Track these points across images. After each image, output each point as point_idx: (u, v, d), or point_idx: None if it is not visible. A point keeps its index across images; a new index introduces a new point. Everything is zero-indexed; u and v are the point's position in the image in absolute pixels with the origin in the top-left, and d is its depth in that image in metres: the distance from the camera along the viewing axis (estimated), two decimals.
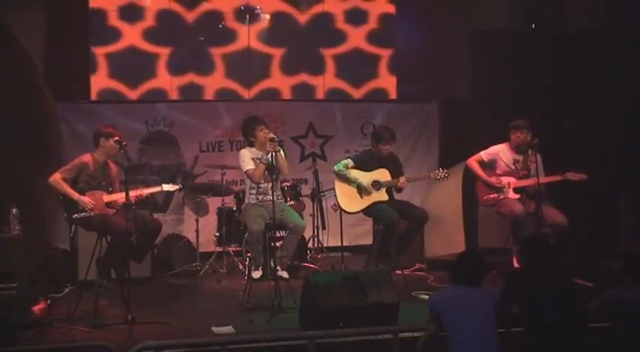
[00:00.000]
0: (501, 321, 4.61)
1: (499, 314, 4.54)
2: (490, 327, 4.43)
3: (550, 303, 4.42)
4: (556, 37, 8.50)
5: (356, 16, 9.12)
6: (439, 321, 4.52)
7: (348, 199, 6.96)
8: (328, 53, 9.09)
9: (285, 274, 6.38)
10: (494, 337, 4.42)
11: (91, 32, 8.48)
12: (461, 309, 4.44)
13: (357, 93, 9.12)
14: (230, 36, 8.90)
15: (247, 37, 8.89)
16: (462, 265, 4.65)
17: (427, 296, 5.37)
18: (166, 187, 6.60)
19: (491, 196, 7.10)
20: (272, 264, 6.47)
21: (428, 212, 7.21)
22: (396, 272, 6.98)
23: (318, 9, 9.09)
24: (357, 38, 9.11)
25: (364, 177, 6.96)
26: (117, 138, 6.24)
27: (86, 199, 6.14)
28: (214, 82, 8.85)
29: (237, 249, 7.79)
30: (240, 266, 7.66)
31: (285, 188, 7.51)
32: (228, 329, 5.59)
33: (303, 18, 9.08)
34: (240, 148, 7.09)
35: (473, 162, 7.23)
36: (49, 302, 6.09)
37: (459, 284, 4.58)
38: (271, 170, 6.44)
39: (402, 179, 6.95)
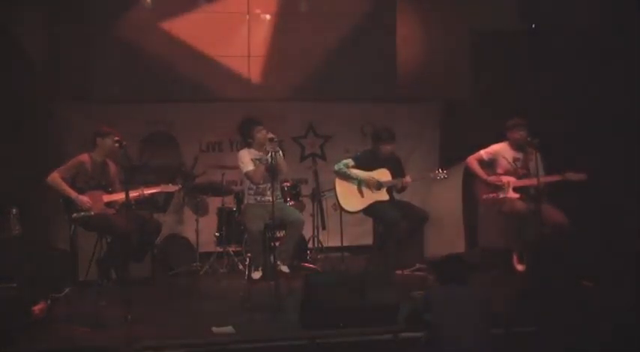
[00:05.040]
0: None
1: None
2: (480, 325, 4.46)
3: (562, 311, 4.46)
4: (556, 36, 8.50)
5: (357, 16, 9.12)
6: (425, 316, 4.58)
7: (348, 198, 6.96)
8: (328, 52, 9.08)
9: (285, 268, 6.38)
10: (485, 335, 4.45)
11: (91, 32, 8.50)
12: (453, 306, 4.51)
13: (357, 93, 9.11)
14: (230, 36, 8.91)
15: (247, 36, 8.89)
16: (449, 266, 4.78)
17: None
18: (166, 187, 6.60)
19: (491, 196, 7.10)
20: (272, 260, 6.46)
21: (428, 212, 7.21)
22: (396, 272, 6.99)
23: (318, 7, 9.09)
24: (357, 38, 9.10)
25: (365, 176, 6.96)
26: (116, 137, 6.23)
27: (84, 198, 6.14)
28: (215, 82, 8.86)
29: (237, 249, 7.79)
30: (240, 267, 7.65)
31: (285, 188, 7.51)
32: (228, 329, 5.59)
33: (302, 17, 9.07)
34: (240, 149, 7.08)
35: (472, 160, 7.23)
36: (49, 302, 6.08)
37: (449, 283, 4.66)
38: (271, 171, 6.43)
39: (407, 178, 6.94)
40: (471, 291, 4.62)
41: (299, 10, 9.07)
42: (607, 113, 8.05)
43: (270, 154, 6.34)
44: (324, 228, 8.17)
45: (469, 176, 7.62)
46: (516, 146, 7.11)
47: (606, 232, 7.72)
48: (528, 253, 6.68)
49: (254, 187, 6.60)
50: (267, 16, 8.97)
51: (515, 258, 7.09)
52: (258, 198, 6.59)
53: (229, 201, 7.94)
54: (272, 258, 6.49)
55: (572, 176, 6.88)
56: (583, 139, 7.97)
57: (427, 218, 6.99)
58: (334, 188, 7.08)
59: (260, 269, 6.42)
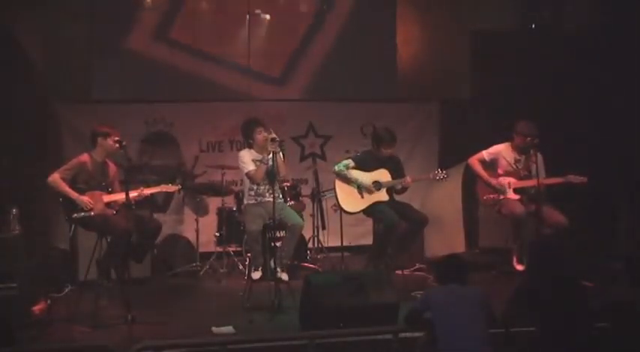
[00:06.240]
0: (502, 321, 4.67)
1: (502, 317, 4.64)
2: (480, 325, 4.47)
3: (563, 312, 4.45)
4: (556, 36, 8.51)
5: (357, 16, 9.12)
6: (425, 316, 4.59)
7: (348, 199, 6.95)
8: (328, 52, 9.09)
9: (285, 276, 6.38)
10: (483, 334, 4.46)
11: (92, 32, 8.51)
12: (453, 306, 4.51)
13: (357, 93, 9.11)
14: (231, 36, 8.93)
15: (247, 36, 8.90)
16: (449, 266, 4.79)
17: None
18: (166, 187, 6.60)
19: (491, 196, 7.11)
20: (272, 265, 6.46)
21: (428, 213, 7.20)
22: (396, 272, 6.99)
23: (318, 8, 9.11)
24: (357, 38, 9.10)
25: (364, 177, 6.96)
26: (116, 137, 6.23)
27: (85, 198, 6.13)
28: (215, 82, 8.88)
29: (237, 249, 7.79)
30: (240, 267, 7.66)
31: (285, 188, 7.51)
32: (228, 329, 5.59)
33: (302, 17, 9.09)
34: (240, 148, 7.09)
35: (474, 161, 7.23)
36: (49, 302, 6.09)
37: (449, 283, 4.66)
38: (271, 171, 6.42)
39: (407, 178, 6.93)
40: (470, 291, 4.62)
41: (299, 10, 9.08)
42: (607, 113, 8.05)
43: (271, 154, 6.32)
44: (324, 228, 8.16)
45: (470, 176, 7.62)
46: (519, 149, 7.11)
47: (604, 233, 7.75)
48: (528, 253, 6.68)
49: (254, 188, 6.59)
50: (267, 16, 8.98)
51: (515, 258, 7.09)
52: (259, 199, 6.58)
53: (229, 201, 7.93)
54: (272, 263, 6.48)
55: (574, 179, 6.88)
56: (583, 139, 7.97)
57: (426, 222, 6.96)
58: (334, 188, 7.07)
59: (260, 269, 6.41)
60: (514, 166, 7.11)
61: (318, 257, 8.20)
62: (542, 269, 4.67)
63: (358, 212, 7.02)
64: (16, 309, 5.64)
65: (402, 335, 4.93)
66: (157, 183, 6.77)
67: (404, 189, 7.05)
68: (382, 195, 6.97)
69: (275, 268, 6.34)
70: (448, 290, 4.62)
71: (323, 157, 9.02)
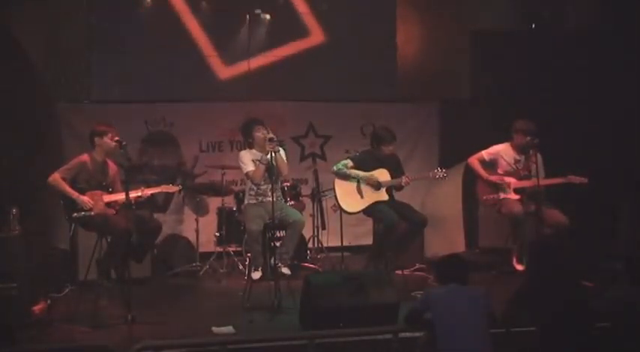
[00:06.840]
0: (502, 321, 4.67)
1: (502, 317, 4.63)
2: (480, 325, 4.46)
3: (563, 312, 4.45)
4: (555, 36, 8.51)
5: (357, 16, 9.12)
6: (425, 316, 4.59)
7: (348, 199, 6.94)
8: (328, 52, 9.08)
9: (286, 270, 6.37)
10: (483, 334, 4.45)
11: (92, 32, 8.51)
12: (453, 306, 4.51)
13: (357, 93, 9.11)
14: (231, 35, 8.93)
15: (247, 36, 8.90)
16: (449, 266, 4.79)
17: None
18: (167, 188, 6.60)
19: (491, 196, 7.10)
20: (272, 263, 6.46)
21: (428, 214, 7.20)
22: (396, 272, 6.99)
23: (318, 7, 9.11)
24: (357, 38, 9.10)
25: (365, 174, 6.96)
26: (116, 137, 6.23)
27: (85, 198, 6.13)
28: (215, 82, 8.88)
29: (238, 249, 7.79)
30: (240, 267, 7.66)
31: (285, 188, 7.51)
32: (228, 329, 5.59)
33: (302, 17, 9.09)
34: (240, 149, 7.10)
35: (474, 160, 7.22)
36: (49, 302, 6.09)
37: (449, 283, 4.66)
38: (271, 171, 6.42)
39: (405, 178, 6.91)
40: (471, 291, 4.62)
41: (299, 10, 9.08)
42: (607, 113, 8.05)
43: (269, 154, 6.32)
44: (324, 228, 8.17)
45: (470, 176, 7.62)
46: (519, 149, 7.10)
47: (604, 233, 7.75)
48: (528, 253, 6.68)
49: (255, 188, 6.58)
50: (267, 16, 8.98)
51: (515, 258, 7.09)
52: (260, 199, 6.58)
53: (229, 201, 7.94)
54: (272, 261, 6.48)
55: (575, 179, 6.88)
56: (583, 139, 7.97)
57: (426, 223, 6.95)
58: (334, 189, 7.07)
59: (260, 269, 6.41)
60: (514, 166, 7.11)
61: (318, 257, 8.20)
62: (542, 269, 4.67)
63: (358, 212, 7.02)
64: (16, 309, 5.64)
65: (402, 335, 4.93)
66: (158, 183, 6.78)
67: (401, 187, 7.05)
68: (382, 195, 6.96)
69: (276, 263, 6.34)
70: (448, 290, 4.62)
71: (323, 157, 9.03)
